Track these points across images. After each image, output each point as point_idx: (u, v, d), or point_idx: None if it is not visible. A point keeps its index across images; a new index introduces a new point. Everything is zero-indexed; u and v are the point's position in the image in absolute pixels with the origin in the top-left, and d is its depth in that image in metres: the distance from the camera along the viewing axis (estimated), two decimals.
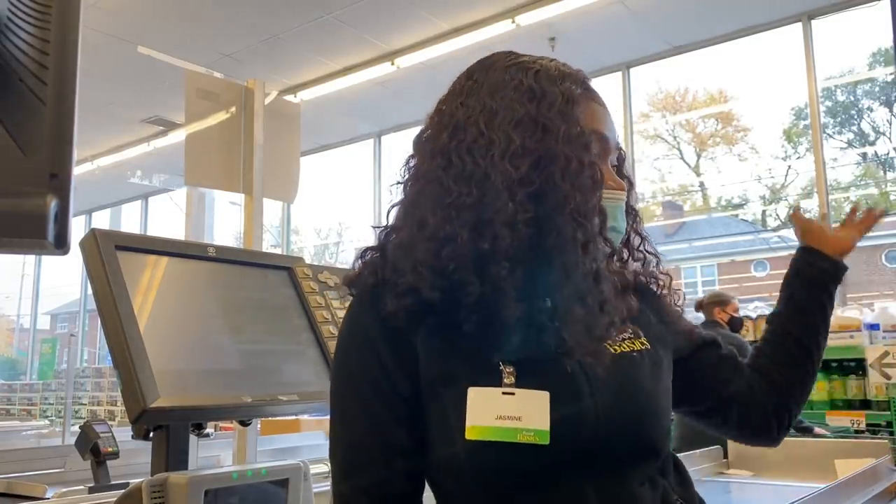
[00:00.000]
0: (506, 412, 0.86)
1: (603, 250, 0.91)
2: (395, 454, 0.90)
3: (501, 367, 0.87)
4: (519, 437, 0.85)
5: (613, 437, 0.88)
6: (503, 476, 0.87)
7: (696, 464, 2.40)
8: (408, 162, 0.96)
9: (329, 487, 0.92)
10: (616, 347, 0.93)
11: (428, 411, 0.89)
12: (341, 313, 1.16)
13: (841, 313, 3.81)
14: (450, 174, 0.89)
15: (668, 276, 1.06)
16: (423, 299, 0.88)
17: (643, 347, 0.96)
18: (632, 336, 0.96)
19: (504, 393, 0.86)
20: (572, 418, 0.86)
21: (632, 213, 1.04)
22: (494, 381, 0.87)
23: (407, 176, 0.95)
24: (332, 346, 1.10)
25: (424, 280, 0.87)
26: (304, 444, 3.55)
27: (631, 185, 1.03)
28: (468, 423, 0.85)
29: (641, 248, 1.05)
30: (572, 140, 0.89)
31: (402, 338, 0.90)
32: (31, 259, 11.25)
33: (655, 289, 1.06)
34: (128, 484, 1.00)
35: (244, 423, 1.24)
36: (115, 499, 0.93)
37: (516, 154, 0.87)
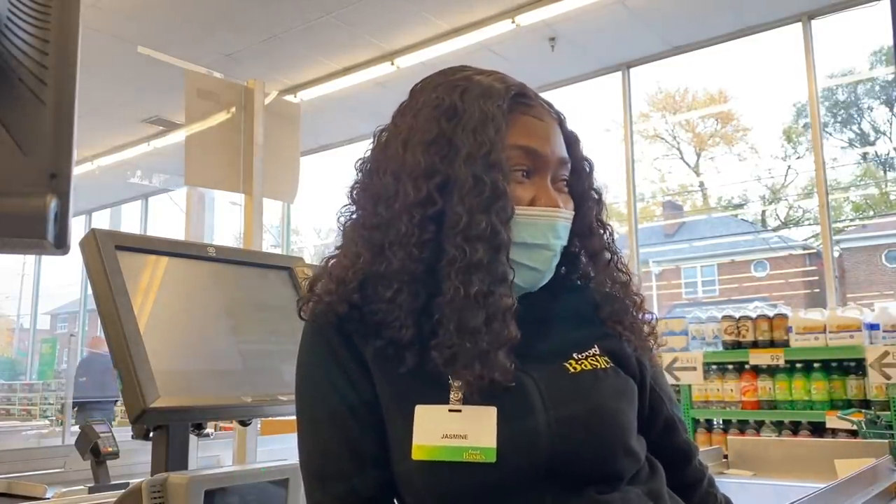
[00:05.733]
0: (452, 430, 0.84)
1: (502, 272, 0.85)
2: (364, 462, 0.89)
3: (451, 383, 0.86)
4: (464, 457, 0.83)
5: (570, 454, 0.85)
6: (457, 494, 0.85)
7: None
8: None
9: None
10: (578, 365, 0.91)
11: (387, 426, 0.90)
12: None
13: (841, 313, 3.82)
14: (368, 194, 0.94)
15: (640, 296, 1.02)
16: (342, 316, 0.90)
17: (608, 366, 0.94)
18: (597, 353, 0.94)
19: (451, 410, 0.85)
20: (524, 435, 0.85)
21: (595, 229, 1.00)
22: (444, 397, 0.86)
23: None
24: None
25: (336, 297, 0.90)
26: None
27: (598, 197, 1.00)
28: (414, 443, 0.85)
29: (614, 264, 1.01)
30: (475, 159, 0.87)
31: (357, 349, 0.91)
32: (31, 259, 11.25)
33: (631, 307, 0.99)
34: (128, 484, 1.00)
35: (244, 423, 1.24)
36: (115, 499, 0.93)
37: (423, 175, 0.88)
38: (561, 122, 0.98)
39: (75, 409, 6.76)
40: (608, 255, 1.01)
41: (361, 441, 0.89)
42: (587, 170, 1.00)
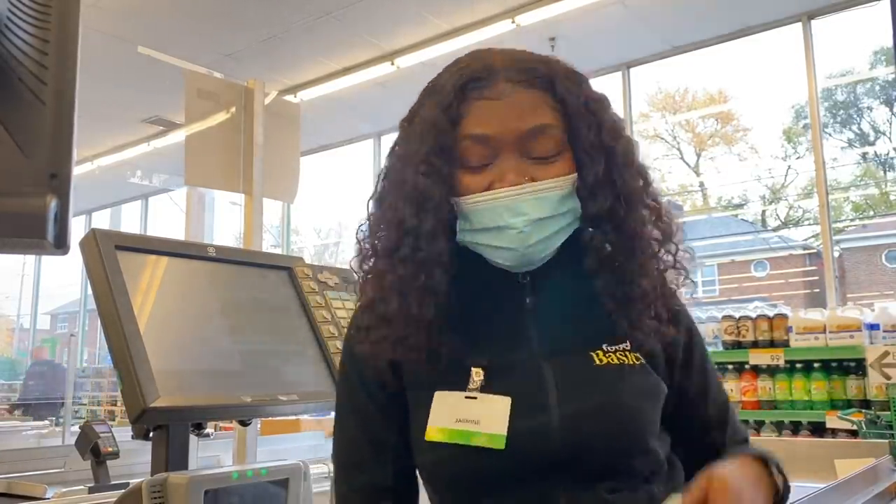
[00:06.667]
0: (465, 416, 0.88)
1: (438, 262, 0.90)
2: (386, 455, 0.94)
3: (472, 371, 0.90)
4: (472, 441, 0.86)
5: (580, 449, 0.87)
6: (466, 479, 0.89)
7: None
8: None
9: (328, 488, 0.92)
10: (605, 357, 0.92)
11: (411, 415, 0.93)
12: (341, 313, 1.16)
13: (841, 313, 3.81)
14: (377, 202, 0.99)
15: (654, 272, 0.94)
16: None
17: (637, 363, 0.93)
18: (628, 349, 0.93)
19: (467, 397, 0.89)
20: (535, 425, 0.87)
21: (598, 189, 0.92)
22: (463, 385, 0.90)
23: None
24: (331, 345, 1.10)
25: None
26: (304, 444, 3.55)
27: (603, 154, 0.92)
28: (429, 425, 0.89)
29: (625, 231, 0.93)
30: (407, 161, 0.93)
31: None
32: (31, 259, 11.25)
33: (637, 290, 0.93)
34: (128, 484, 1.00)
35: (244, 423, 1.24)
36: (115, 499, 0.93)
37: (390, 187, 0.96)
38: (539, 85, 0.93)
39: (22, 409, 7.12)
40: (613, 222, 0.93)
41: (384, 434, 0.94)
42: (587, 128, 0.93)
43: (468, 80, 0.93)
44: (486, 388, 0.89)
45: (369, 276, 0.95)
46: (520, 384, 0.89)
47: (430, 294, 0.90)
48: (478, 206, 0.91)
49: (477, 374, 0.90)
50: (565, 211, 0.92)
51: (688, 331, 1.00)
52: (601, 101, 0.96)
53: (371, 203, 0.98)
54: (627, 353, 0.93)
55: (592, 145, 0.92)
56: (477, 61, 0.95)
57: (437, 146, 0.92)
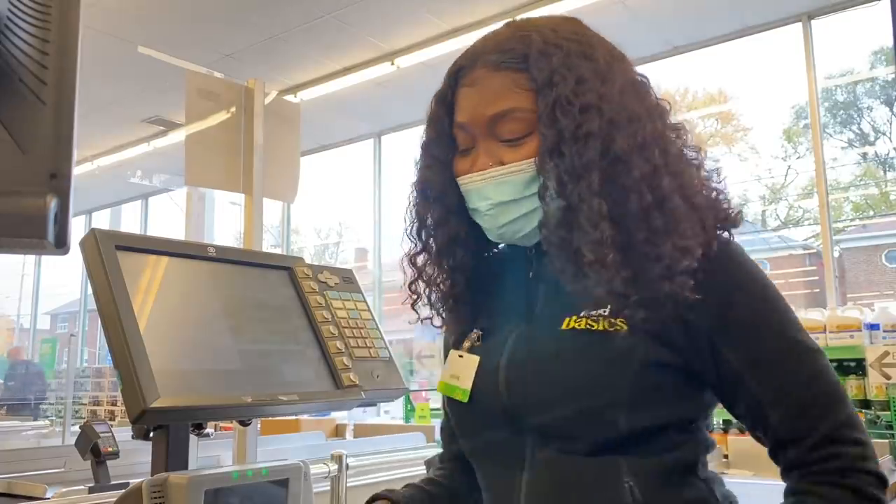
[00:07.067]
0: (454, 372, 1.01)
1: (455, 243, 1.01)
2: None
3: (473, 333, 1.03)
4: (452, 394, 1.00)
5: (520, 408, 0.93)
6: (458, 426, 1.03)
7: None
8: None
9: (328, 487, 0.94)
10: (573, 323, 0.91)
11: None
12: (341, 313, 1.16)
13: (841, 313, 3.81)
14: None
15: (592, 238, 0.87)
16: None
17: (611, 328, 0.88)
18: (604, 314, 0.89)
19: (459, 356, 1.02)
20: (487, 385, 0.97)
21: (552, 159, 0.88)
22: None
23: None
24: (332, 345, 1.10)
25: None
26: (304, 444, 3.55)
27: (559, 124, 0.88)
28: (440, 379, 1.04)
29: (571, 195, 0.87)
30: (420, 154, 1.04)
31: None
32: (31, 259, 11.25)
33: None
34: (128, 484, 1.00)
35: (244, 423, 1.24)
36: (115, 499, 0.93)
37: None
38: (513, 66, 0.92)
39: (3, 409, 7.25)
40: (561, 195, 0.88)
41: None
42: (544, 105, 0.89)
43: (458, 68, 0.98)
44: (476, 349, 1.01)
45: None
46: (492, 346, 0.99)
47: (454, 272, 1.02)
48: (462, 188, 0.98)
49: (475, 336, 1.02)
50: (531, 194, 0.92)
51: (721, 291, 0.88)
52: (571, 69, 0.90)
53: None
54: (602, 318, 0.89)
55: (545, 123, 0.89)
56: (469, 48, 0.99)
57: (436, 136, 1.00)
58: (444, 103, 0.99)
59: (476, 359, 1.00)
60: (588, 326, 0.90)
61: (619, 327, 0.88)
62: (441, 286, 1.03)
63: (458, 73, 0.97)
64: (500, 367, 0.96)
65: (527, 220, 0.94)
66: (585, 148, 0.87)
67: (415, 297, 1.06)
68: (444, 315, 1.07)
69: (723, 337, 0.89)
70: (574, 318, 0.91)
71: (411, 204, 1.05)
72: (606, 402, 0.87)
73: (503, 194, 0.93)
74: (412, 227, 1.05)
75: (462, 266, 1.02)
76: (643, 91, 0.96)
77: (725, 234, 0.95)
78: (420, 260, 1.05)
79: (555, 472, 0.91)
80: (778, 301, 0.91)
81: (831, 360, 3.39)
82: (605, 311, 0.90)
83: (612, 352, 0.88)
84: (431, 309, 1.07)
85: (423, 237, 1.04)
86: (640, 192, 0.87)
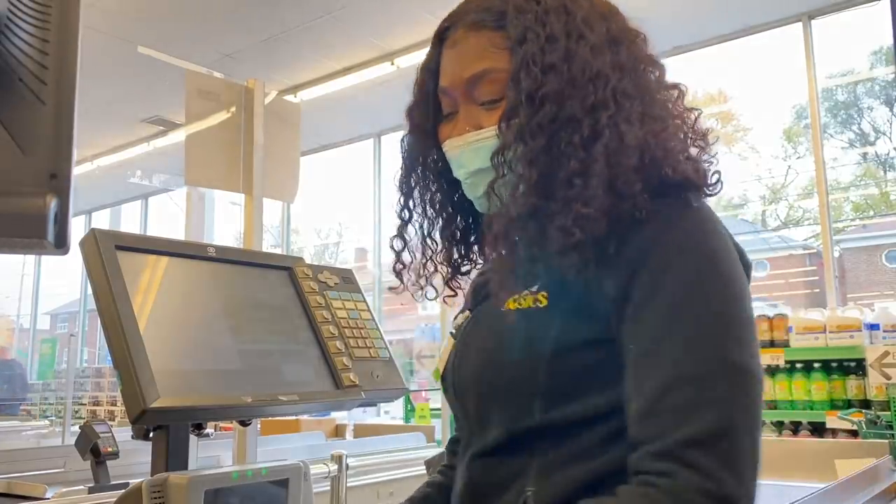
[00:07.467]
0: (442, 353, 1.00)
1: (441, 210, 0.97)
2: None
3: (462, 315, 1.00)
4: (433, 374, 1.04)
5: (462, 391, 0.92)
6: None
7: None
8: None
9: (328, 488, 0.94)
10: (514, 304, 0.84)
11: None
12: (341, 313, 1.16)
13: (841, 313, 3.82)
14: None
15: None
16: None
17: (532, 305, 0.82)
18: (534, 290, 0.83)
19: (451, 335, 1.00)
20: (448, 368, 0.95)
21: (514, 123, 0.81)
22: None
23: None
24: (332, 345, 1.10)
25: None
26: (304, 445, 3.55)
27: (525, 100, 0.81)
28: None
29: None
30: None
31: None
32: (31, 259, 11.25)
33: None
34: (128, 484, 0.99)
35: (244, 423, 1.24)
36: (115, 499, 0.93)
37: None
38: (492, 25, 0.87)
39: None
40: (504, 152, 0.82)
41: None
42: (517, 66, 0.82)
43: (441, 30, 0.93)
44: (462, 330, 0.98)
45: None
46: (462, 326, 0.97)
47: (442, 239, 0.98)
48: (446, 156, 0.93)
49: (464, 317, 0.99)
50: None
51: (637, 260, 0.76)
52: (546, 25, 0.83)
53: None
54: (529, 295, 0.83)
55: (510, 85, 0.83)
56: (453, 10, 0.93)
57: (419, 100, 0.96)
58: (429, 67, 0.94)
59: (451, 341, 0.99)
60: (516, 305, 0.83)
61: (540, 302, 0.81)
62: (439, 258, 0.99)
63: (442, 35, 0.92)
64: (457, 353, 0.94)
65: None
66: (538, 111, 0.80)
67: (420, 274, 0.99)
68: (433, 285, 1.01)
69: (621, 318, 0.77)
70: (516, 296, 0.84)
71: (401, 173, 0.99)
72: (519, 386, 0.80)
73: (477, 161, 0.87)
74: (411, 198, 0.99)
75: (447, 234, 0.98)
76: (626, 46, 0.87)
77: (688, 198, 0.80)
78: (410, 230, 0.99)
79: (470, 471, 0.87)
80: (713, 292, 0.74)
81: (831, 361, 3.38)
82: (534, 288, 0.83)
83: (527, 330, 0.81)
84: (423, 280, 0.99)
85: (407, 207, 0.99)
86: (573, 157, 0.78)
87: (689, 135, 0.87)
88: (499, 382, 0.83)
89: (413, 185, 0.97)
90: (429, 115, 0.94)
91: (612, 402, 0.76)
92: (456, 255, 0.99)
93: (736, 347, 0.72)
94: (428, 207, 0.98)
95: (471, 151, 0.87)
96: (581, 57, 0.81)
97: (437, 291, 1.01)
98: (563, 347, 0.78)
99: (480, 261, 1.02)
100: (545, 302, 0.81)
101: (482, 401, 0.86)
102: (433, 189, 0.97)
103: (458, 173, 0.90)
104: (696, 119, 0.88)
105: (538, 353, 0.79)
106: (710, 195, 0.84)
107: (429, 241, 0.98)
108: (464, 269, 1.01)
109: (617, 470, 0.74)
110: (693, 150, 0.86)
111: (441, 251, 0.98)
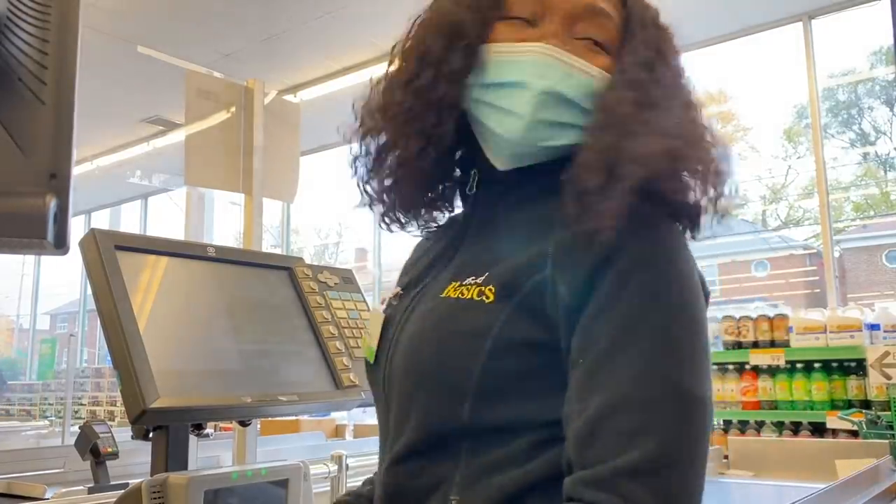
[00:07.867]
0: (373, 329, 0.88)
1: (452, 106, 0.81)
2: None
3: (394, 291, 0.91)
4: (366, 352, 0.88)
5: (390, 386, 0.82)
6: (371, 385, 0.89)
7: None
8: None
9: (328, 488, 0.93)
10: (454, 292, 0.78)
11: None
12: (341, 313, 1.16)
13: (841, 313, 3.81)
14: None
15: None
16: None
17: (477, 298, 0.75)
18: (479, 282, 0.76)
19: (385, 310, 0.89)
20: (383, 345, 0.85)
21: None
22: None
23: None
24: (331, 345, 1.10)
25: None
26: (304, 445, 3.55)
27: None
28: None
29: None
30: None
31: None
32: (30, 259, 11.25)
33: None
34: (128, 484, 1.00)
35: (244, 423, 1.24)
36: (115, 499, 0.93)
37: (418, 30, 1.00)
38: None
39: None
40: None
41: None
42: (643, 47, 0.79)
43: None
44: (393, 305, 0.88)
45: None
46: (399, 306, 0.87)
47: (430, 140, 0.82)
48: (502, 56, 0.78)
49: (395, 292, 0.90)
50: (584, 109, 0.77)
51: (598, 269, 0.70)
52: (665, 36, 0.82)
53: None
54: (473, 285, 0.76)
55: (629, 50, 0.78)
56: None
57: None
58: None
59: (381, 316, 0.87)
60: (457, 295, 0.77)
61: (487, 297, 0.74)
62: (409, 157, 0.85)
63: None
64: (393, 332, 0.84)
65: (563, 133, 0.77)
66: (650, 85, 0.76)
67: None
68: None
69: (569, 326, 0.71)
70: (457, 284, 0.78)
71: (410, 46, 0.91)
72: (449, 385, 0.73)
73: (567, 85, 0.76)
74: (401, 72, 0.90)
75: (437, 137, 0.83)
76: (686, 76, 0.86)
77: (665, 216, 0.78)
78: (393, 111, 0.89)
79: (389, 477, 0.79)
80: (672, 315, 0.71)
81: (832, 360, 3.39)
82: (478, 280, 0.76)
83: (466, 324, 0.74)
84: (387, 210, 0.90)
85: (413, 82, 0.87)
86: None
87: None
88: (429, 378, 0.75)
89: (442, 57, 0.82)
90: (493, 6, 0.80)
91: (548, 410, 0.71)
92: (432, 195, 0.89)
93: (688, 374, 0.68)
94: (425, 116, 0.83)
95: (565, 71, 0.76)
96: (674, 69, 0.82)
97: (401, 225, 0.91)
98: (503, 347, 0.72)
99: (447, 212, 0.92)
100: (492, 297, 0.74)
101: (408, 398, 0.77)
102: (440, 93, 0.81)
103: (532, 81, 0.75)
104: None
105: (477, 351, 0.72)
106: (686, 228, 0.82)
107: (408, 164, 0.84)
108: (435, 212, 0.91)
109: (546, 480, 0.70)
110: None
111: (419, 177, 0.85)
